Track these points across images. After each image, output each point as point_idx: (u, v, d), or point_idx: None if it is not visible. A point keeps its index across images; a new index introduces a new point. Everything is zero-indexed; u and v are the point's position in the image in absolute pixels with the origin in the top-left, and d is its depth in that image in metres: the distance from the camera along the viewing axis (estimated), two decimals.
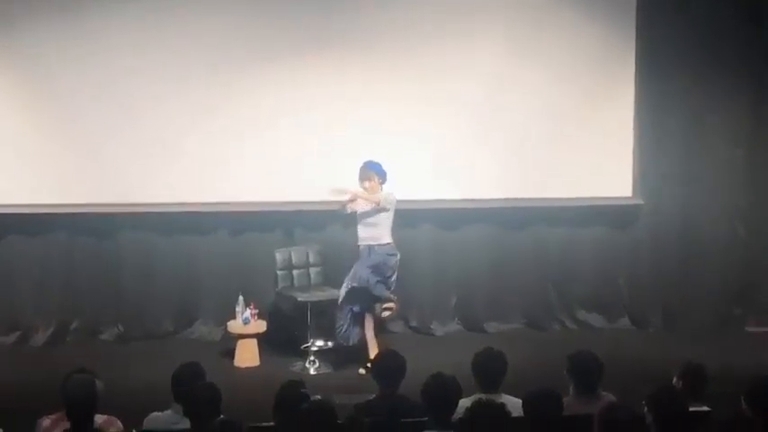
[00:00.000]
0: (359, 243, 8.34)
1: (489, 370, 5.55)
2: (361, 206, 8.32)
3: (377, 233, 8.30)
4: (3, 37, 8.90)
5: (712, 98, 9.76)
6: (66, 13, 8.92)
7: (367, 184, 8.30)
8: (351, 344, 8.41)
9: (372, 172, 8.30)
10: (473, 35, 9.33)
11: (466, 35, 9.31)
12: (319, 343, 8.65)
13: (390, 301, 8.35)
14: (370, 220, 8.30)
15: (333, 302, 8.57)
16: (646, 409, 4.79)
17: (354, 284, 8.25)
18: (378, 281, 8.27)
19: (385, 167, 8.36)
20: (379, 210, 8.28)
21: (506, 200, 9.51)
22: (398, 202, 8.37)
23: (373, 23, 9.24)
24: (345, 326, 8.36)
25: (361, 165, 8.36)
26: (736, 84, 9.77)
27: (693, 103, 9.76)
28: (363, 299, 8.32)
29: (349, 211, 8.39)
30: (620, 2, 9.53)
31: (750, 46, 9.72)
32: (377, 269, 8.27)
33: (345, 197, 8.30)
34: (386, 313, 8.40)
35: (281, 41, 9.12)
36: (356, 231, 8.38)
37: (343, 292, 8.31)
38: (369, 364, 7.75)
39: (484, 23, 9.36)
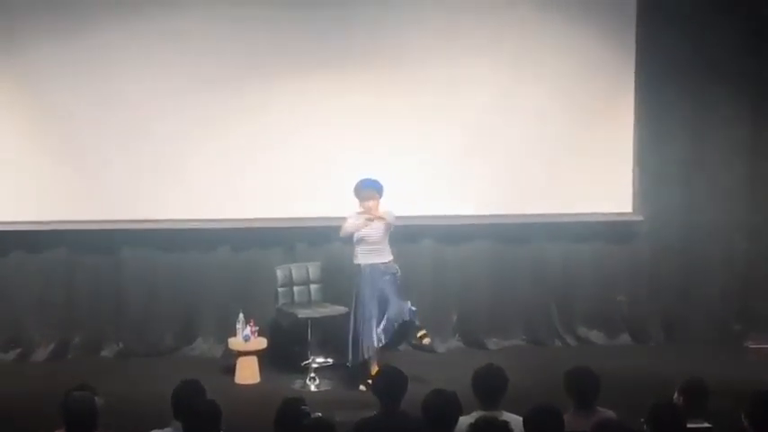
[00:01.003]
0: (361, 263, 8.25)
1: (489, 386, 5.53)
2: (374, 227, 8.23)
3: (382, 251, 8.27)
4: (4, 54, 8.91)
5: (712, 114, 9.79)
6: (68, 32, 8.92)
7: (371, 203, 8.25)
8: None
9: (374, 190, 8.27)
10: (471, 52, 9.34)
11: (464, 52, 9.32)
12: (320, 360, 8.64)
13: (421, 328, 8.31)
14: (376, 239, 8.24)
15: (333, 319, 8.58)
16: (645, 426, 4.79)
17: (405, 318, 8.18)
18: (411, 309, 8.24)
19: (381, 182, 8.34)
20: (386, 228, 8.28)
21: (507, 216, 9.51)
22: (399, 218, 8.38)
23: (373, 41, 9.25)
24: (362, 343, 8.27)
25: (358, 184, 8.29)
26: (737, 99, 9.80)
27: (693, 119, 9.79)
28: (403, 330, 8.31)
29: (356, 231, 8.26)
30: (619, 18, 9.55)
31: (750, 60, 9.74)
32: (401, 292, 8.27)
33: (357, 219, 8.21)
34: (426, 340, 8.29)
35: (282, 59, 9.14)
36: (355, 250, 8.30)
37: (383, 331, 8.15)
38: (369, 381, 7.74)
39: (482, 41, 9.37)
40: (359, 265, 8.29)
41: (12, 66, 8.94)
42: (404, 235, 8.67)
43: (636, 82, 9.60)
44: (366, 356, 8.25)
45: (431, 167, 9.33)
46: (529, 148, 9.50)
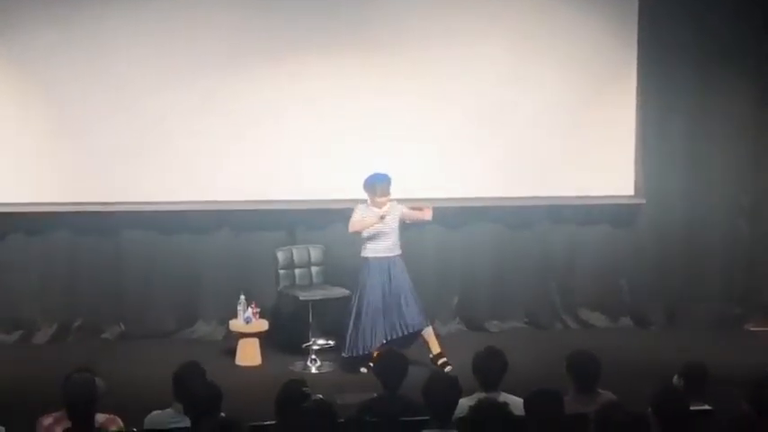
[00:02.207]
0: (369, 256, 8.17)
1: (489, 369, 5.54)
2: (387, 222, 8.14)
3: (393, 245, 8.22)
4: (2, 38, 8.87)
5: (715, 97, 9.77)
6: (64, 15, 8.86)
7: (385, 198, 8.14)
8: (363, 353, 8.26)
9: (389, 184, 8.16)
10: (475, 35, 9.32)
11: (468, 35, 9.30)
12: (321, 342, 8.64)
13: (443, 354, 8.21)
14: (389, 232, 8.17)
15: (334, 301, 8.58)
16: (650, 408, 4.79)
17: (416, 329, 8.14)
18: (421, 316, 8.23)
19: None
20: (400, 222, 8.23)
21: (509, 199, 9.51)
22: (402, 200, 8.36)
23: (376, 22, 9.21)
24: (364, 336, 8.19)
25: (373, 179, 8.13)
26: (739, 82, 9.79)
27: (696, 102, 9.77)
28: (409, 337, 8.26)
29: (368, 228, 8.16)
30: (622, 2, 9.53)
31: (754, 44, 9.73)
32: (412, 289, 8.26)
33: (366, 214, 8.13)
34: (448, 368, 7.87)
35: (283, 40, 9.10)
36: (365, 243, 8.20)
37: (388, 333, 8.12)
38: (370, 364, 7.75)
39: (486, 24, 9.35)
40: (366, 258, 8.21)
41: (9, 50, 8.88)
42: None
43: (638, 65, 9.57)
44: (363, 352, 8.16)
45: (432, 151, 9.31)
46: (530, 132, 9.48)
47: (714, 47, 9.63)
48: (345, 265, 8.71)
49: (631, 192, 9.70)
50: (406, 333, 8.16)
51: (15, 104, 8.96)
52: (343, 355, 8.32)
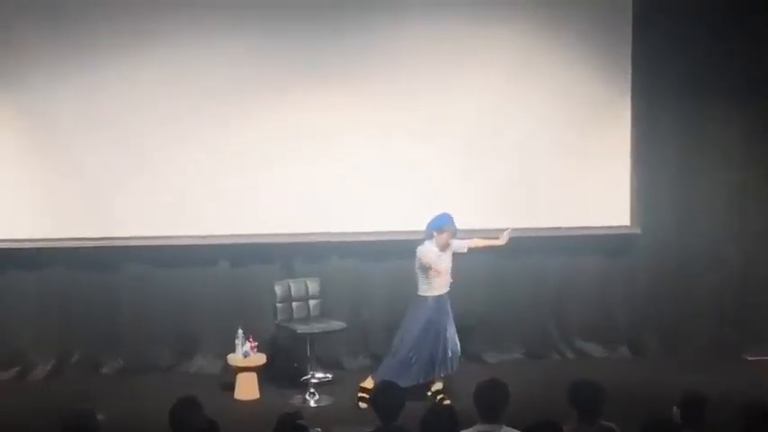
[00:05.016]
0: (429, 295, 8.12)
1: (491, 401, 5.52)
2: (446, 260, 8.15)
3: (448, 282, 8.20)
4: (2, 75, 8.89)
5: (708, 127, 9.84)
6: (67, 55, 8.88)
7: (453, 237, 8.19)
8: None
9: (454, 222, 8.19)
10: (468, 65, 9.37)
11: (461, 65, 9.35)
12: (319, 375, 8.65)
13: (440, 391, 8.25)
14: (449, 267, 8.17)
15: (332, 334, 8.59)
16: None
17: (451, 371, 8.20)
18: (457, 352, 8.28)
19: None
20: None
21: (503, 229, 9.49)
22: (395, 232, 8.38)
23: (368, 53, 9.25)
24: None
25: (445, 218, 8.11)
26: (731, 112, 9.85)
27: (689, 132, 9.83)
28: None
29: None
30: (615, 31, 9.59)
31: (744, 74, 9.79)
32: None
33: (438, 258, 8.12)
34: (446, 402, 7.83)
35: (278, 74, 9.15)
36: (430, 281, 8.15)
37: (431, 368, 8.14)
38: (367, 396, 7.73)
39: (478, 54, 9.40)
40: (425, 297, 8.15)
41: (7, 84, 8.92)
42: (401, 249, 8.64)
43: (632, 96, 9.63)
44: (424, 380, 8.12)
45: (426, 182, 9.33)
46: (525, 162, 9.52)
47: (705, 78, 9.70)
48: (343, 298, 8.71)
49: (627, 222, 9.73)
50: (453, 371, 8.19)
51: (12, 140, 8.96)
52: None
